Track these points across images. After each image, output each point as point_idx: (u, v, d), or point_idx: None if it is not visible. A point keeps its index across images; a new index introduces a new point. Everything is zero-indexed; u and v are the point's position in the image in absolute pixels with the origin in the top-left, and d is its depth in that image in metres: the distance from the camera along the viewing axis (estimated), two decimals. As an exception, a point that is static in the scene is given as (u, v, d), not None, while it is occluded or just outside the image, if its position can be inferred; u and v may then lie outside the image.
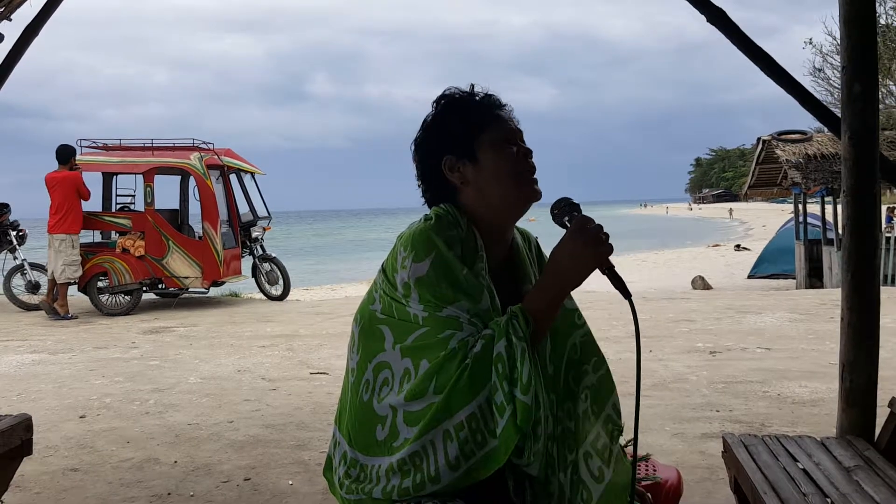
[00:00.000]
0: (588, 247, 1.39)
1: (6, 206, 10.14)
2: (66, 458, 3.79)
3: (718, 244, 32.29)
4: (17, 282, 9.93)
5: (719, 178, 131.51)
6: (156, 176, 9.85)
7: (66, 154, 9.24)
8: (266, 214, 11.05)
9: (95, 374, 5.77)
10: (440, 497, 1.41)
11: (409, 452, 1.40)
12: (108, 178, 10.24)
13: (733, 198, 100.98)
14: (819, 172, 13.49)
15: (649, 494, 1.72)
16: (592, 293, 7.90)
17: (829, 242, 13.43)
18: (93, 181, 9.74)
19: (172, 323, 8.50)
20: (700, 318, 7.86)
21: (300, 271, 18.69)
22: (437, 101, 1.58)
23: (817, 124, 8.23)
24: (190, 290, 9.92)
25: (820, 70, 21.16)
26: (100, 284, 9.37)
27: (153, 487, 3.39)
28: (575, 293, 1.52)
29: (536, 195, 1.53)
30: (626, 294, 1.42)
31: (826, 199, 14.34)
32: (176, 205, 10.79)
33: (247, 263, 10.82)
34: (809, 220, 15.11)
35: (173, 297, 10.14)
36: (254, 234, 10.71)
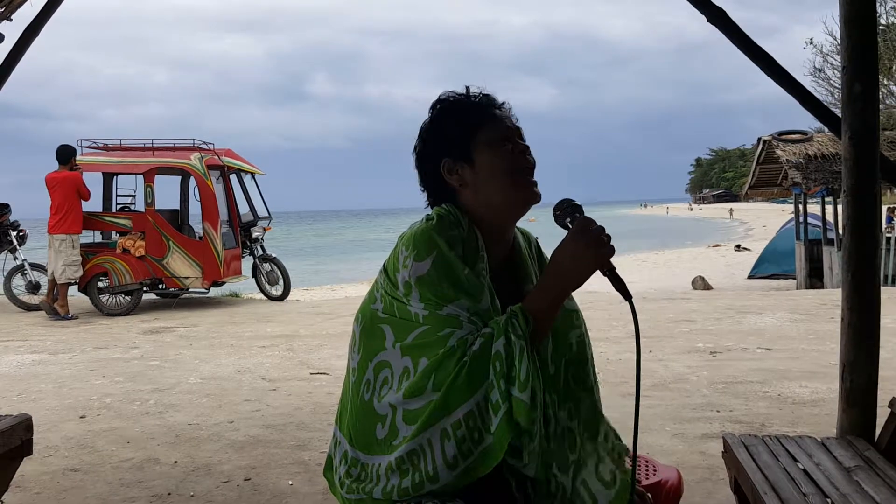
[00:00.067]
0: (590, 248, 1.40)
1: (6, 206, 10.14)
2: (66, 459, 3.79)
3: (719, 244, 32.27)
4: (18, 282, 9.93)
5: (720, 178, 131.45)
6: (156, 176, 9.85)
7: (66, 154, 9.24)
8: (266, 215, 11.06)
9: (96, 375, 5.77)
10: (440, 497, 1.41)
11: (407, 450, 1.40)
12: (108, 178, 10.25)
13: (734, 198, 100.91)
14: (819, 172, 13.49)
15: (649, 494, 1.71)
16: (593, 294, 7.90)
17: (830, 243, 13.43)
18: (93, 181, 9.77)
19: (173, 323, 8.50)
20: (700, 319, 7.86)
21: (300, 271, 18.69)
22: (433, 106, 1.58)
23: (818, 124, 8.24)
24: (190, 290, 9.92)
25: (820, 70, 21.21)
26: (100, 285, 9.38)
27: (153, 487, 3.39)
28: (575, 294, 1.52)
29: (535, 197, 1.53)
30: (627, 296, 1.42)
31: (826, 199, 14.34)
32: (176, 205, 10.79)
33: (247, 264, 10.82)
34: (810, 220, 15.10)
35: (173, 298, 10.14)
36: (254, 235, 10.71)
